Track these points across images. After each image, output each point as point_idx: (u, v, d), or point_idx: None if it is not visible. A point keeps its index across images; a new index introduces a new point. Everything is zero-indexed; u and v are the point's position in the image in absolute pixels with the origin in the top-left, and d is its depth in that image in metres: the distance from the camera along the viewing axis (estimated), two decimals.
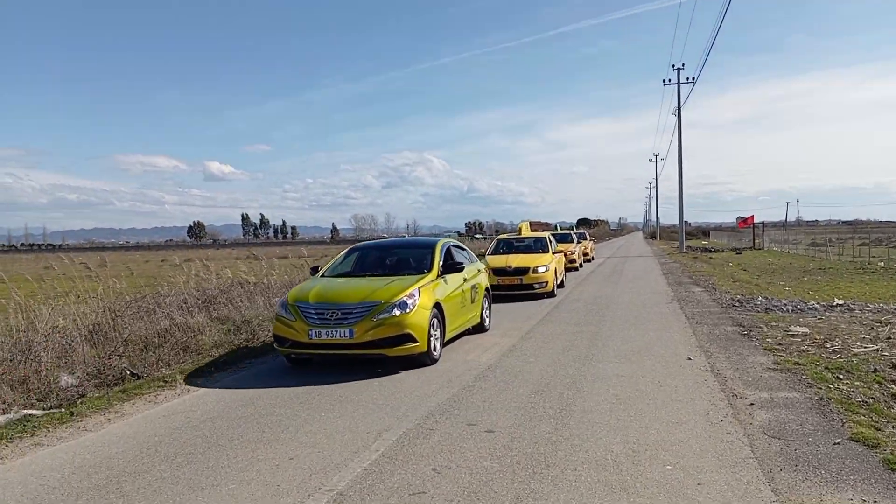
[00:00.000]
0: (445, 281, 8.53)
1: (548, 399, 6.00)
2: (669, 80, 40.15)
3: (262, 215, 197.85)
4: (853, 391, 5.93)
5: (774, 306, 11.97)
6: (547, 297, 14.44)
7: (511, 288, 14.34)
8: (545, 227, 39.43)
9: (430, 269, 8.44)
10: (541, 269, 14.45)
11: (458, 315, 8.78)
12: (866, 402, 5.59)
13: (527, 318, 11.47)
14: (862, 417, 5.17)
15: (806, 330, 9.25)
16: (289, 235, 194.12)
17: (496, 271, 14.34)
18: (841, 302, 12.37)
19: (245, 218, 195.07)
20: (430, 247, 9.07)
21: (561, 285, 16.52)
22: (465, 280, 9.20)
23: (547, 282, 14.46)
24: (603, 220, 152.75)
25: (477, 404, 5.90)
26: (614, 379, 6.70)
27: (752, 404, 5.63)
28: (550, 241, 16.75)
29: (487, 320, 10.25)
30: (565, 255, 22.13)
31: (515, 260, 14.90)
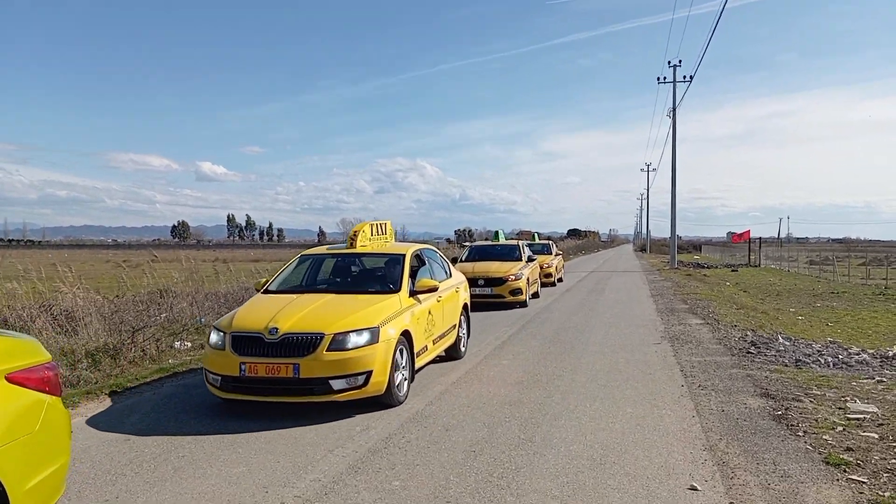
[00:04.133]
0: None
1: None
2: (664, 79, 36.72)
3: (248, 217, 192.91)
4: None
5: (806, 355, 8.50)
6: (393, 406, 6.02)
7: (272, 388, 5.69)
8: (529, 236, 35.93)
9: None
10: (352, 342, 5.77)
11: None
12: None
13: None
14: None
15: (874, 409, 5.77)
16: (275, 238, 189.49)
17: (237, 343, 5.82)
18: None
19: (231, 219, 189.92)
20: None
21: (452, 349, 8.25)
22: None
23: (369, 371, 5.73)
24: (593, 232, 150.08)
25: None
26: None
27: None
28: (402, 265, 7.29)
29: None
30: (507, 280, 14.24)
31: (291, 318, 5.94)
